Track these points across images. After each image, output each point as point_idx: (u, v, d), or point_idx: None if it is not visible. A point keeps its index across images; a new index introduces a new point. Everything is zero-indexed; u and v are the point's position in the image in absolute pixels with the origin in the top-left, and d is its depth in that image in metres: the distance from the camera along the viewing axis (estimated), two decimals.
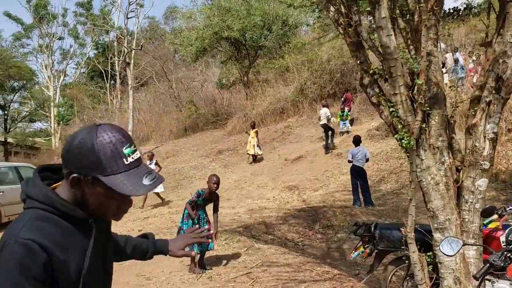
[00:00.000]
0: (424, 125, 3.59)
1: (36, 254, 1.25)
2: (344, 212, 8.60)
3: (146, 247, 1.94)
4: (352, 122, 16.96)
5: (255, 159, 15.85)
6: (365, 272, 6.13)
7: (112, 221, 1.56)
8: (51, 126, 36.91)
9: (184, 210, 6.23)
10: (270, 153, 16.28)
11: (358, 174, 9.39)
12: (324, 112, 14.59)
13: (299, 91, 19.95)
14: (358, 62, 3.85)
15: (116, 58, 34.11)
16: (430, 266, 3.81)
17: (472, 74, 15.93)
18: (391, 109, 3.64)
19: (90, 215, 1.40)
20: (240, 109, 22.10)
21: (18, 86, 32.17)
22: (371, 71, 3.77)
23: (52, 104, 36.52)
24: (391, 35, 3.48)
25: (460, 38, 21.98)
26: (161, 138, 26.50)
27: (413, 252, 3.76)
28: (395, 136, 3.72)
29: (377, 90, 3.83)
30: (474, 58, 16.30)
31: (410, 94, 3.61)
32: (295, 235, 7.90)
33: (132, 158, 1.35)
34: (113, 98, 36.60)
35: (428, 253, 3.80)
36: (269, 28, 21.69)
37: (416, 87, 3.55)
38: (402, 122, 3.59)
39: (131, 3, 22.39)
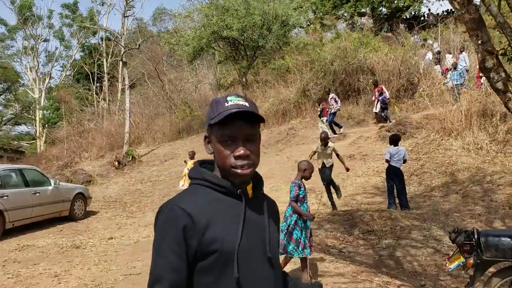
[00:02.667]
0: None
1: (178, 218, 1.40)
2: (382, 216, 8.08)
3: None
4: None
5: None
6: (431, 283, 5.62)
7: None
8: (36, 129, 35.75)
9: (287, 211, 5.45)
10: (277, 155, 15.72)
11: (395, 175, 8.88)
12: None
13: (302, 92, 19.47)
14: (480, 42, 3.31)
15: (104, 59, 33.16)
16: None
17: (481, 74, 15.67)
18: None
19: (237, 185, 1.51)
20: None
21: (3, 88, 31.00)
22: (500, 52, 3.23)
23: (37, 106, 35.39)
24: None
25: (454, 39, 21.90)
26: (154, 140, 25.69)
27: None
28: None
29: (503, 74, 3.29)
30: None
31: None
32: (335, 241, 7.34)
33: (234, 102, 1.48)
34: (101, 100, 35.61)
35: None
36: (269, 28, 21.19)
37: None
38: None
39: (129, 1, 21.60)
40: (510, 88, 3.26)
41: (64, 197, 11.12)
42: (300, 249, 5.28)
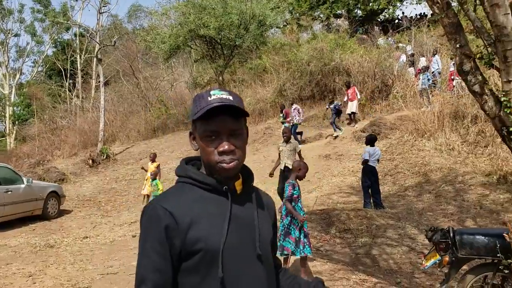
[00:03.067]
0: None
1: (160, 218, 1.38)
2: (358, 215, 8.20)
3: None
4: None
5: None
6: (406, 281, 5.75)
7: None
8: (5, 126, 34.83)
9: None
10: (254, 155, 15.77)
11: (372, 175, 9.02)
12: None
13: (278, 92, 19.57)
14: (458, 45, 3.41)
15: (78, 55, 32.58)
16: None
17: (453, 77, 16.06)
18: (503, 99, 3.21)
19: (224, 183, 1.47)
20: None
21: None
22: (477, 56, 3.33)
23: (7, 103, 34.49)
24: (509, 14, 3.06)
25: (428, 42, 22.37)
26: (128, 139, 25.38)
27: None
28: (503, 130, 3.30)
29: (480, 77, 3.40)
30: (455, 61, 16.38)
31: None
32: (312, 240, 7.37)
33: (217, 96, 1.43)
34: (74, 97, 34.96)
35: None
36: (246, 28, 21.21)
37: None
38: None
39: None
40: (487, 91, 3.38)
41: (37, 196, 10.89)
42: (300, 247, 5.31)
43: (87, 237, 9.27)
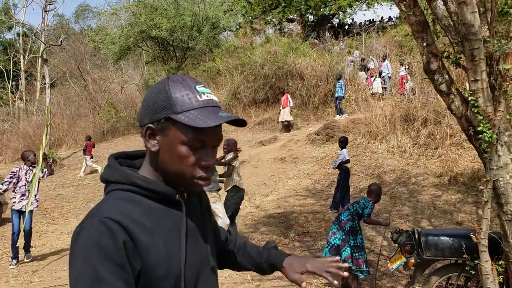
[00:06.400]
0: (509, 116, 3.18)
1: (115, 233, 1.08)
2: (316, 217, 8.17)
3: (258, 256, 1.58)
4: None
5: None
6: (367, 283, 5.71)
7: None
8: None
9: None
10: None
11: (348, 175, 9.23)
12: None
13: (232, 95, 19.42)
14: (425, 44, 3.37)
15: (22, 56, 31.09)
16: (500, 277, 3.42)
17: (405, 81, 16.51)
18: (470, 98, 3.19)
19: (176, 188, 1.24)
20: None
21: None
22: (444, 54, 3.30)
23: None
24: (476, 12, 3.05)
25: (377, 47, 22.98)
26: (76, 143, 24.42)
27: (486, 261, 3.33)
28: (470, 129, 3.27)
29: (446, 77, 3.37)
30: (407, 66, 16.87)
31: (493, 81, 3.20)
32: None
33: (207, 96, 1.20)
34: (17, 100, 33.32)
35: (499, 262, 3.41)
36: (199, 30, 20.94)
37: (501, 73, 3.14)
38: (482, 113, 3.16)
39: None
40: (453, 90, 3.34)
41: None
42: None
43: (32, 247, 8.70)
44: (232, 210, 7.14)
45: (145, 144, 1.23)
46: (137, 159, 1.35)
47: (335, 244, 5.19)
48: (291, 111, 16.66)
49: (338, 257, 1.53)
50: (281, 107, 16.64)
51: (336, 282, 1.58)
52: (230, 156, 7.05)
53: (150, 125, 1.18)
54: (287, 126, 16.82)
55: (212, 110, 1.18)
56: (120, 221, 1.09)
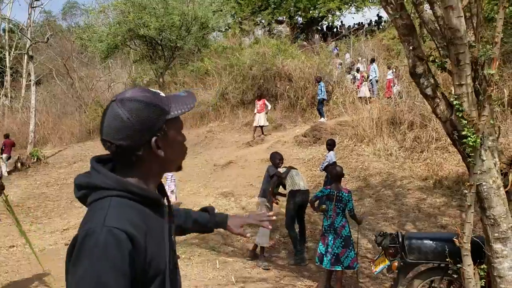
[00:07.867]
0: (492, 121, 3.20)
1: (122, 244, 1.13)
2: None
3: (206, 220, 1.86)
4: None
5: None
6: (351, 286, 5.72)
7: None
8: None
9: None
10: (195, 158, 15.44)
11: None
12: None
13: (221, 95, 19.36)
14: (411, 47, 3.38)
15: (7, 52, 30.66)
16: (482, 281, 3.44)
17: (392, 84, 16.63)
18: (454, 102, 3.20)
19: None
20: None
21: None
22: (430, 58, 3.31)
23: None
24: (462, 16, 3.06)
25: (365, 51, 23.12)
26: (61, 141, 24.14)
27: (469, 265, 3.35)
28: (454, 134, 3.29)
29: (432, 80, 3.38)
30: (394, 70, 17.00)
31: (477, 86, 3.21)
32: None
33: (163, 93, 1.36)
34: (1, 96, 32.84)
35: (481, 266, 3.42)
36: (188, 29, 20.87)
37: (486, 78, 3.15)
38: (467, 118, 3.17)
39: None
40: (439, 94, 3.36)
41: None
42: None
43: (13, 246, 8.61)
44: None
45: (138, 155, 1.28)
46: (108, 163, 1.36)
47: (335, 254, 5.22)
48: (266, 113, 16.17)
49: (271, 212, 1.98)
50: (255, 111, 15.93)
51: (270, 227, 1.98)
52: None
53: (155, 137, 1.28)
54: (261, 131, 16.39)
55: (173, 95, 1.38)
56: (127, 231, 1.15)
